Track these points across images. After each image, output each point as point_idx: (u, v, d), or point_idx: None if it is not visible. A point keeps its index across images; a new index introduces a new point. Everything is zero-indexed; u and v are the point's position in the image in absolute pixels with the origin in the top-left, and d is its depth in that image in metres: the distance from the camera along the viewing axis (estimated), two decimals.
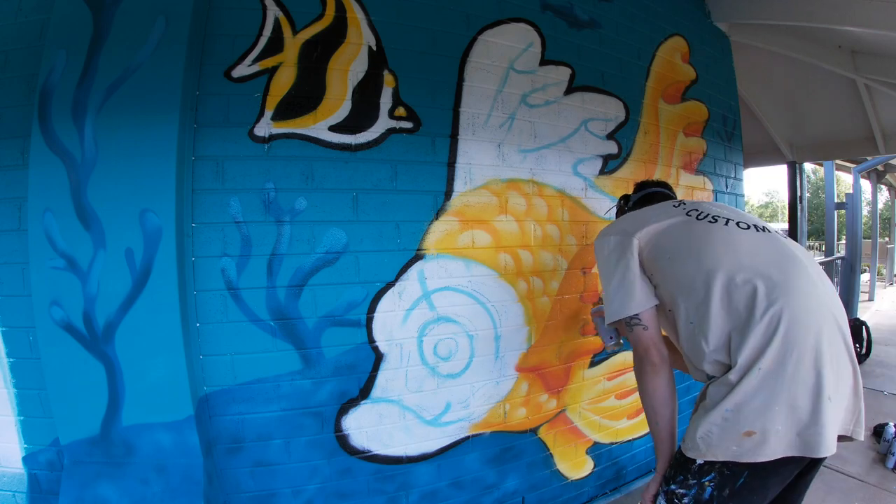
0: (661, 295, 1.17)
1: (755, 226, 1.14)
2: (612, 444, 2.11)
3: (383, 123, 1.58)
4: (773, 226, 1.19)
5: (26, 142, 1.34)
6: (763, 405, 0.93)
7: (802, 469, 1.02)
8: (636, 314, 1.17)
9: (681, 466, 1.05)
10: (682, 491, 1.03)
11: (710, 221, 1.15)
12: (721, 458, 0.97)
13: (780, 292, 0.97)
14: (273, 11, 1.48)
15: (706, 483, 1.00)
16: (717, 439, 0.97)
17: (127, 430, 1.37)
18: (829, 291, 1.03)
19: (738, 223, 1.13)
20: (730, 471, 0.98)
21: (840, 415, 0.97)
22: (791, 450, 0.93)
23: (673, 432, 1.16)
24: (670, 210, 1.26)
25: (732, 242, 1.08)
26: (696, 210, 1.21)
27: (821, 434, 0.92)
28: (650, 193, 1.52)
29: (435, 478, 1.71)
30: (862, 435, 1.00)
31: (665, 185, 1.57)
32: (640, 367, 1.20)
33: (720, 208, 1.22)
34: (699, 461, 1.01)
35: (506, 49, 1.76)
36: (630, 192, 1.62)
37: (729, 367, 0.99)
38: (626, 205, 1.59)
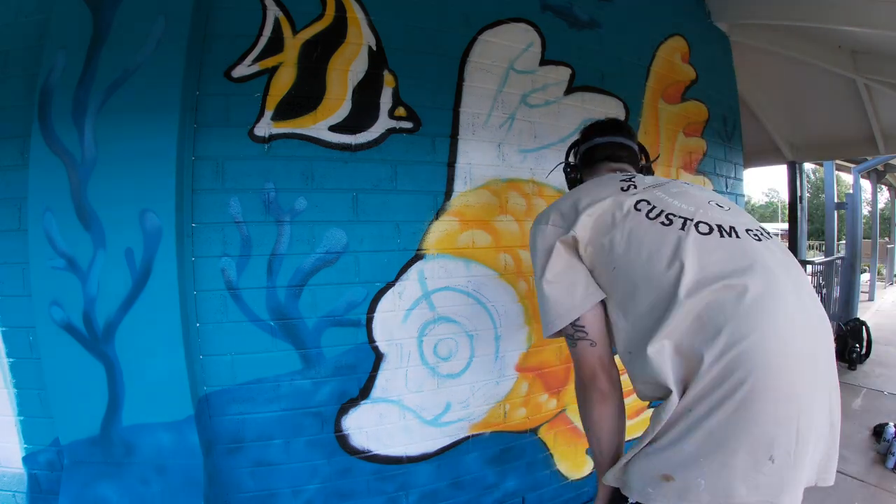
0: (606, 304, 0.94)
1: (719, 227, 0.86)
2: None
3: (383, 123, 1.58)
4: (745, 220, 0.93)
5: (26, 142, 1.34)
6: (690, 454, 0.75)
7: None
8: (578, 321, 0.93)
9: (615, 498, 0.91)
10: None
11: (662, 223, 0.88)
12: (634, 498, 0.82)
13: (739, 320, 0.75)
14: (273, 11, 1.48)
15: None
16: (636, 474, 0.83)
17: (127, 430, 1.37)
18: (808, 308, 0.81)
19: (697, 224, 0.86)
20: None
21: (805, 471, 0.77)
22: None
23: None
24: (617, 195, 0.96)
25: (689, 256, 0.82)
26: (648, 203, 0.92)
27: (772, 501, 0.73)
28: (600, 146, 1.19)
29: (435, 478, 1.71)
30: (831, 480, 0.82)
31: (617, 127, 1.23)
32: (584, 394, 0.95)
33: (680, 198, 0.93)
34: (623, 493, 0.86)
35: (506, 49, 1.76)
36: (580, 139, 1.28)
37: (668, 392, 0.79)
38: (574, 165, 1.28)
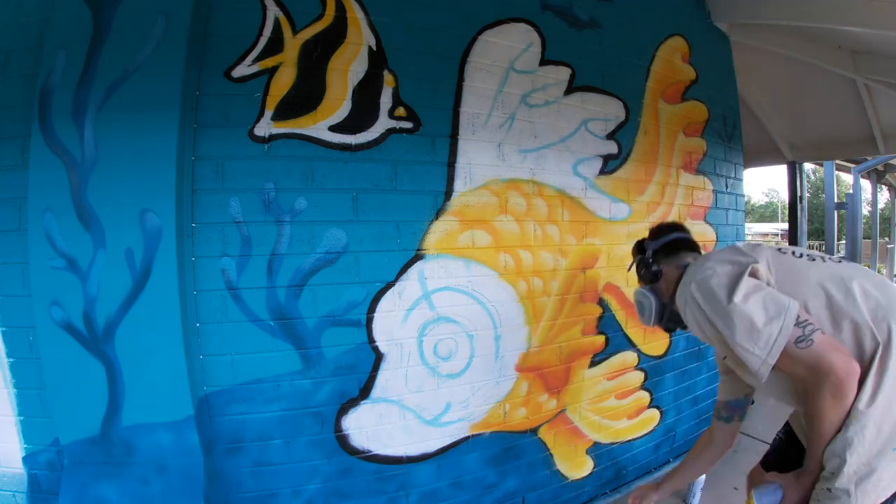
0: None
1: (841, 258, 1.09)
2: (612, 444, 2.11)
3: (383, 123, 1.58)
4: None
5: (26, 142, 1.34)
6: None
7: None
8: (799, 316, 0.91)
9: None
10: None
11: (810, 259, 1.05)
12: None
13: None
14: (273, 11, 1.48)
15: None
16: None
17: (127, 430, 1.37)
18: None
19: (823, 258, 1.06)
20: None
21: None
22: None
23: None
24: (754, 249, 1.10)
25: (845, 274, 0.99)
26: (782, 252, 1.08)
27: None
28: (677, 240, 1.31)
29: (435, 478, 1.71)
30: None
31: (683, 227, 1.38)
32: (841, 391, 0.88)
33: (804, 250, 1.11)
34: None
35: (506, 49, 1.76)
36: (646, 235, 1.40)
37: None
38: (648, 254, 1.34)
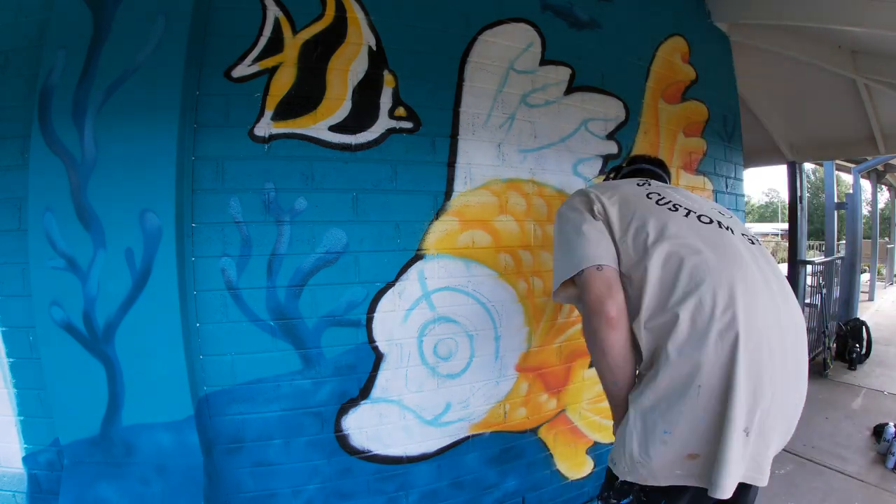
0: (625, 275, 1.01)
1: (718, 222, 1.01)
2: (612, 444, 2.10)
3: (383, 123, 1.58)
4: (741, 227, 1.07)
5: (26, 142, 1.34)
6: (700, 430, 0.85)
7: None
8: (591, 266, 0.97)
9: (607, 480, 1.03)
10: None
11: (669, 209, 1.03)
12: (662, 482, 0.89)
13: (728, 302, 0.85)
14: (273, 11, 1.48)
15: None
16: (656, 461, 0.88)
17: (127, 430, 1.37)
18: (779, 306, 0.90)
19: (699, 216, 1.01)
20: (647, 497, 0.92)
21: (757, 452, 0.86)
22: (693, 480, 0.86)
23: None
24: (634, 188, 1.15)
25: (687, 234, 0.97)
26: (658, 195, 1.09)
27: (720, 474, 0.81)
28: (638, 170, 1.39)
29: (435, 478, 1.71)
30: (764, 480, 0.87)
31: (659, 162, 1.44)
32: (590, 325, 0.95)
33: (684, 198, 1.10)
34: (620, 478, 0.94)
35: (506, 49, 1.76)
36: (624, 164, 1.51)
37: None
38: (614, 177, 1.48)
